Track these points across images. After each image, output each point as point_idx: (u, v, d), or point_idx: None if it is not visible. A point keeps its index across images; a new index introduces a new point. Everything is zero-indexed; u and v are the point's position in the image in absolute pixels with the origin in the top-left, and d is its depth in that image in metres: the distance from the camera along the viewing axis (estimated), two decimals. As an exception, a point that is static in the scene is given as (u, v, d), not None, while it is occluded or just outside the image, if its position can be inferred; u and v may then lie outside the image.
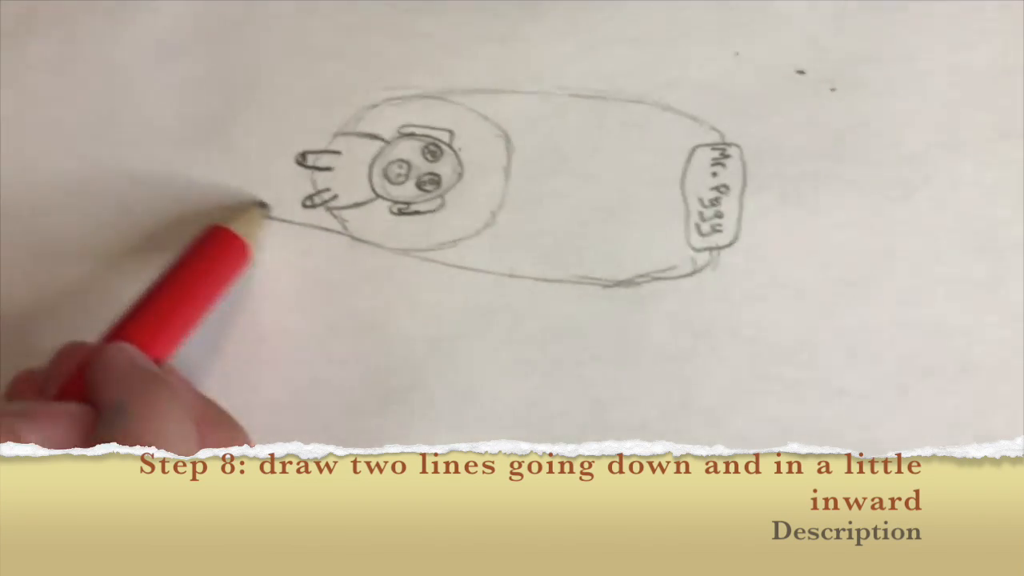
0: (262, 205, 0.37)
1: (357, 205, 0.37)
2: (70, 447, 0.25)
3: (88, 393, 0.27)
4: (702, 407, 0.33)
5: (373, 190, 0.37)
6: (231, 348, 0.35)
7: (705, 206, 0.36)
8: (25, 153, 0.39)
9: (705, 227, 0.36)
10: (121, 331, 0.30)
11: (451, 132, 0.38)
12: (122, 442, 0.24)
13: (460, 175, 0.37)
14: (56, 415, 0.26)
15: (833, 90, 0.38)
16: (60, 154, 0.39)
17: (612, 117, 0.38)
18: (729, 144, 0.37)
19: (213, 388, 0.34)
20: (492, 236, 0.36)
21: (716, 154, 0.37)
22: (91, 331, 0.31)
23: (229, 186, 0.37)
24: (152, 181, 0.38)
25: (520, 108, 0.38)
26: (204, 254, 0.34)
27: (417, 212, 0.37)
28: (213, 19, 0.41)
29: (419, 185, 0.37)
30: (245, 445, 0.28)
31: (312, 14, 0.40)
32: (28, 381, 0.30)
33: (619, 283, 0.35)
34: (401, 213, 0.37)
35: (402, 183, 0.37)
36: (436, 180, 0.37)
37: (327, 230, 0.37)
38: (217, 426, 0.29)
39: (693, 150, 0.37)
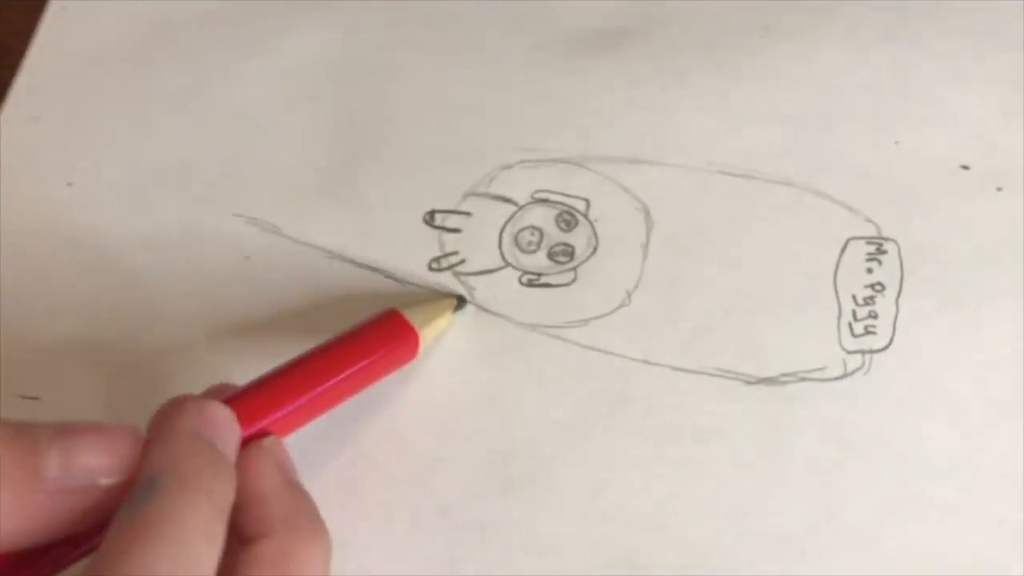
0: (460, 300, 0.34)
1: (485, 272, 0.35)
2: (106, 473, 0.24)
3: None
4: (848, 524, 0.31)
5: (503, 257, 0.35)
6: (346, 415, 0.33)
7: (859, 304, 0.34)
8: (136, 190, 0.37)
9: (858, 327, 0.33)
10: (246, 391, 0.28)
11: (587, 201, 0.36)
12: (142, 520, 0.23)
13: (595, 248, 0.35)
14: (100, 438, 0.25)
15: (999, 190, 0.35)
16: (174, 194, 0.37)
17: (760, 199, 0.35)
18: (886, 239, 0.35)
19: (324, 455, 0.32)
20: (626, 317, 0.34)
21: (872, 249, 0.34)
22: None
23: (352, 241, 0.36)
24: (270, 230, 0.36)
25: (662, 181, 0.36)
26: (375, 345, 0.31)
27: (548, 285, 0.35)
28: (343, 63, 0.39)
29: (551, 256, 0.35)
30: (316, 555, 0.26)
31: (449, 66, 0.38)
32: None
33: (763, 380, 0.33)
34: (531, 284, 0.35)
35: (533, 252, 0.35)
36: (569, 252, 0.35)
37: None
38: (293, 533, 0.26)
39: (847, 242, 0.35)
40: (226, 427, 0.27)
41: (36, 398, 0.34)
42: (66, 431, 0.24)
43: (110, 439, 0.25)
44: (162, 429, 0.26)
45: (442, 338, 0.34)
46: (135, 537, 0.23)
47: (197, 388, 0.33)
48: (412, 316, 0.32)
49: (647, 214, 0.35)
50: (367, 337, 0.31)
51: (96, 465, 0.24)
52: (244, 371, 0.29)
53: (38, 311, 0.35)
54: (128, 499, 0.24)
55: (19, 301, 0.35)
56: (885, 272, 0.34)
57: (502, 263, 0.35)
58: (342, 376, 0.29)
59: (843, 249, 0.35)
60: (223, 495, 0.25)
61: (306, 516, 0.27)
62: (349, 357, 0.30)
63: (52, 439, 0.24)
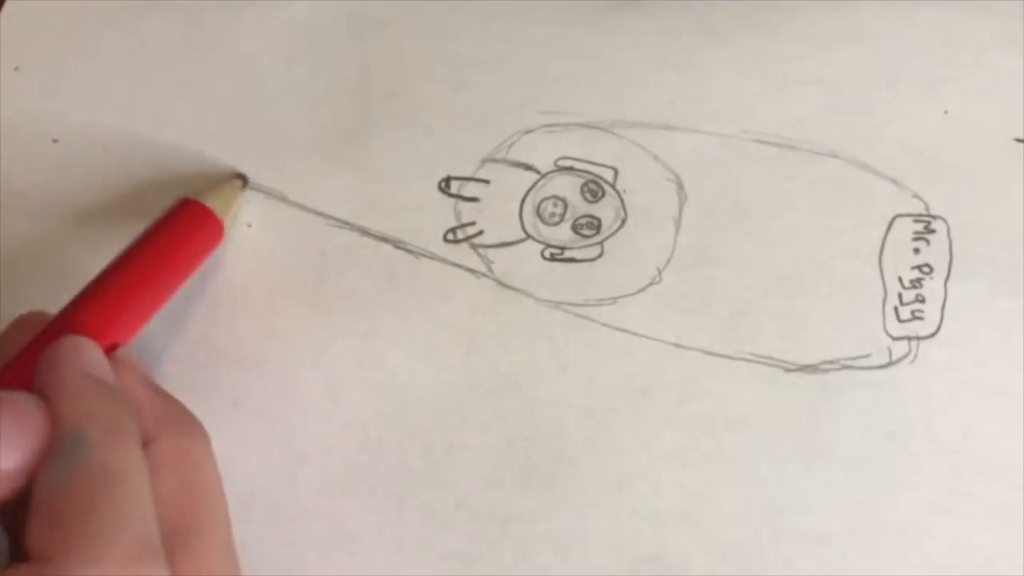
0: (240, 177, 0.33)
1: (505, 245, 0.33)
2: (22, 448, 0.22)
3: (38, 390, 0.24)
4: (893, 523, 0.29)
5: (524, 229, 0.33)
6: (351, 397, 0.31)
7: (905, 287, 0.31)
8: (127, 148, 0.34)
9: (904, 312, 0.31)
10: (76, 314, 0.27)
11: (615, 170, 0.33)
12: (85, 476, 0.22)
13: (623, 221, 0.33)
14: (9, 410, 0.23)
15: (1056, 165, 0.33)
16: (170, 154, 0.34)
17: (800, 170, 0.33)
18: (934, 217, 0.32)
19: (331, 441, 0.30)
20: (656, 296, 0.32)
21: (919, 227, 0.32)
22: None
23: (362, 209, 0.33)
24: (274, 196, 0.33)
25: (696, 150, 0.33)
26: (172, 230, 0.30)
27: (572, 260, 0.32)
28: (353, 14, 0.36)
29: (575, 228, 0.33)
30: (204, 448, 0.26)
31: (466, 19, 0.36)
32: None
33: (803, 368, 0.31)
34: (554, 259, 0.32)
35: (556, 224, 0.33)
36: (595, 224, 0.33)
37: (470, 271, 0.32)
38: (177, 431, 0.26)
39: (893, 220, 0.32)
40: (102, 359, 0.26)
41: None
42: None
43: (22, 412, 0.23)
44: (55, 372, 0.24)
45: (459, 314, 0.31)
46: (85, 497, 0.22)
47: (189, 368, 0.31)
48: (207, 200, 0.31)
49: (679, 185, 0.33)
50: (169, 229, 0.30)
51: (17, 444, 0.22)
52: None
53: (21, 283, 0.32)
54: (54, 459, 0.22)
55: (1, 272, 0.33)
56: (933, 253, 0.32)
57: (523, 235, 0.33)
58: (161, 271, 0.29)
59: (889, 227, 0.32)
60: (136, 428, 0.24)
61: (184, 415, 0.26)
62: (160, 251, 0.29)
63: None
